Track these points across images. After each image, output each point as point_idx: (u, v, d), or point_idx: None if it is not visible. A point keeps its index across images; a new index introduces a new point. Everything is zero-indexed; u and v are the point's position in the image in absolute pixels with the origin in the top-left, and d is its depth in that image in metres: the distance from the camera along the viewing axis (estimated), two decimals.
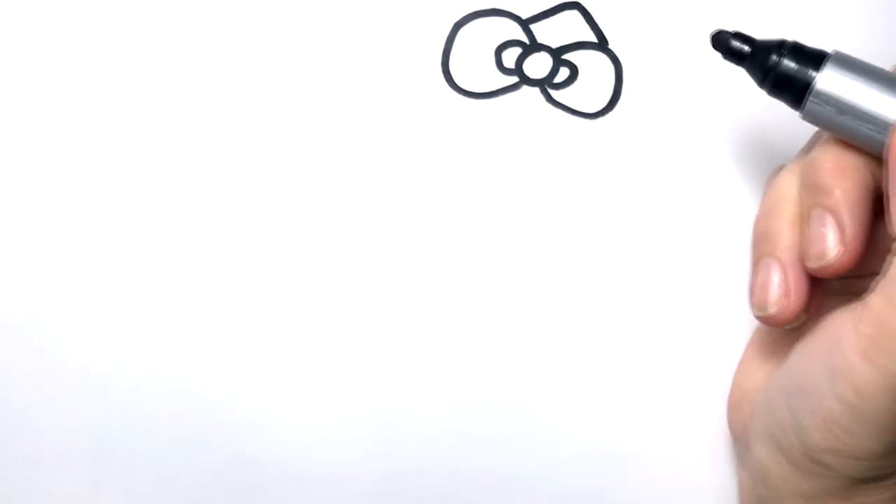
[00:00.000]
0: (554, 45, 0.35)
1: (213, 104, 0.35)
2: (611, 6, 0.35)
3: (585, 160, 0.35)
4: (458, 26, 0.35)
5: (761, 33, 0.35)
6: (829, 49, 0.28)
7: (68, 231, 0.35)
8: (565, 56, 0.35)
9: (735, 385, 0.33)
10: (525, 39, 0.35)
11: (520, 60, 0.35)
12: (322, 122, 0.35)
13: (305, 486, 0.35)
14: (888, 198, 0.27)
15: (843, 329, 0.27)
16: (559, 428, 0.34)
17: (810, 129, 0.30)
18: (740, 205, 0.34)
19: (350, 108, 0.35)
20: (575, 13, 0.35)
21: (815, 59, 0.28)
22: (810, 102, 0.28)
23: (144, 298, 0.35)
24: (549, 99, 0.35)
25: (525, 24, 0.35)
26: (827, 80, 0.28)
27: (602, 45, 0.35)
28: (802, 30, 0.35)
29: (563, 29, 0.35)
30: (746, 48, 0.29)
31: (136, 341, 0.35)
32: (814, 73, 0.28)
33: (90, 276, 0.35)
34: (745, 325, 0.33)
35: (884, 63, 0.29)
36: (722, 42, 0.29)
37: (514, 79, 0.35)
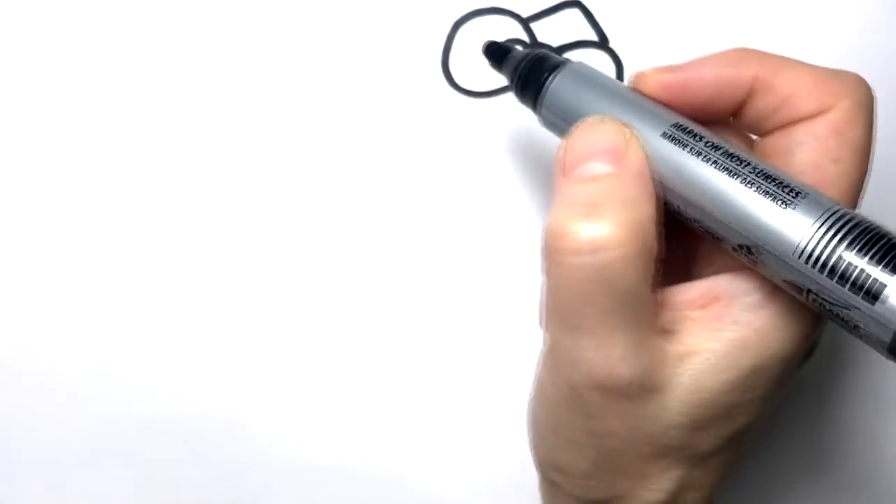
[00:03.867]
0: (555, 44, 0.35)
1: (213, 104, 0.35)
2: (611, 5, 0.35)
3: None
4: (458, 25, 0.35)
5: (761, 33, 0.35)
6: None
7: (69, 232, 0.35)
8: (566, 55, 0.35)
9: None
10: (526, 38, 0.35)
11: None
12: (322, 121, 0.35)
13: (304, 486, 0.35)
14: None
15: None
16: None
17: None
18: None
19: (350, 107, 0.35)
20: (575, 12, 0.35)
21: (554, 68, 0.28)
22: (542, 111, 0.28)
23: (144, 300, 0.35)
24: None
25: (525, 22, 0.35)
26: (556, 92, 0.28)
27: (603, 43, 0.35)
28: (802, 28, 0.35)
29: (564, 27, 0.35)
30: (501, 56, 0.30)
31: (135, 342, 0.35)
32: (548, 83, 0.28)
33: (90, 279, 0.35)
34: None
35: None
36: (485, 50, 0.30)
37: None
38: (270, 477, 0.35)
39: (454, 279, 0.34)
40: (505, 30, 0.35)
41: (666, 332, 0.25)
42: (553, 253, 0.24)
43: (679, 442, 0.25)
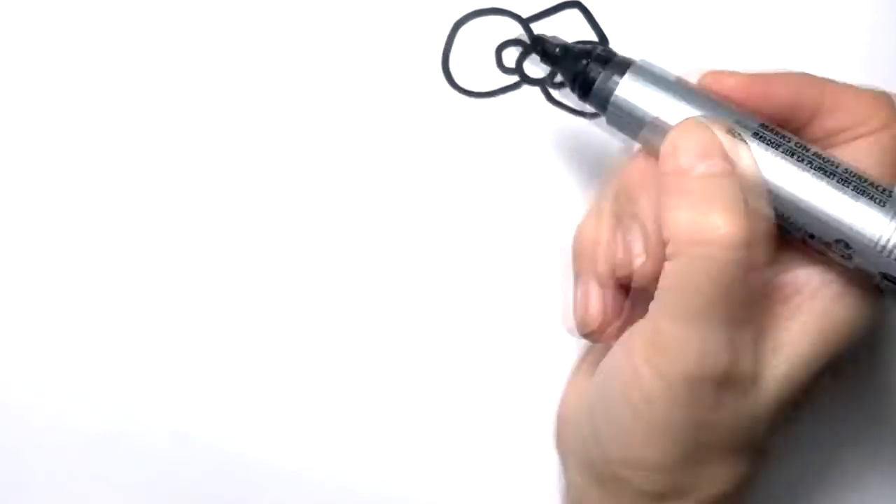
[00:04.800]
0: None
1: (212, 106, 0.35)
2: (611, 5, 0.35)
3: (585, 159, 0.35)
4: (458, 25, 0.35)
5: (760, 33, 0.35)
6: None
7: (69, 235, 0.35)
8: None
9: (561, 403, 0.33)
10: (525, 39, 0.35)
11: (520, 59, 0.35)
12: (322, 121, 0.35)
13: (303, 486, 0.35)
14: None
15: (635, 339, 0.27)
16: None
17: None
18: None
19: (350, 108, 0.35)
20: (575, 12, 0.35)
21: (620, 67, 0.28)
22: (610, 110, 0.28)
23: (144, 301, 0.35)
24: (550, 98, 0.35)
25: (525, 23, 0.35)
26: (626, 90, 0.28)
27: (602, 44, 0.35)
28: (802, 29, 0.35)
29: (564, 28, 0.35)
30: (558, 51, 0.30)
31: (135, 343, 0.35)
32: (617, 80, 0.28)
33: (90, 280, 0.35)
34: None
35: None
36: (538, 45, 0.30)
37: (515, 78, 0.35)
38: (269, 478, 0.35)
39: (452, 285, 0.34)
40: (505, 30, 0.35)
41: (759, 325, 0.27)
42: (687, 246, 0.25)
43: (762, 434, 0.27)
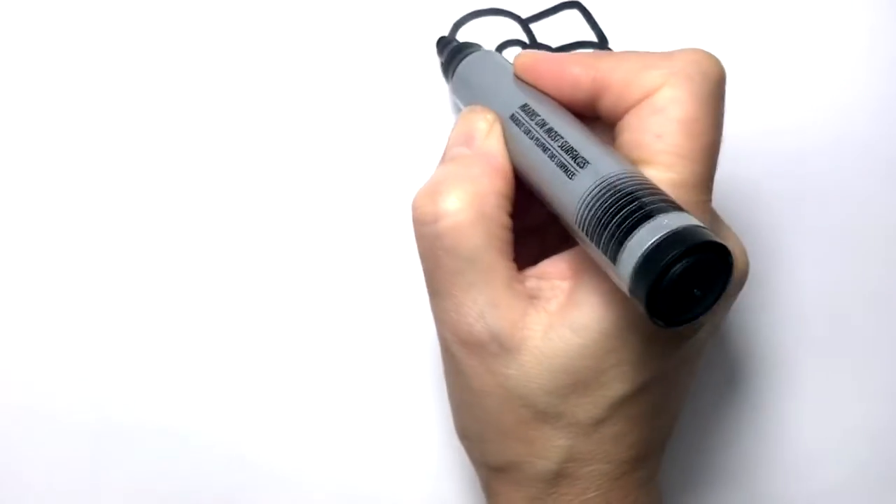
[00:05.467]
0: (554, 45, 0.35)
1: (213, 107, 0.35)
2: (611, 5, 0.35)
3: None
4: (458, 25, 0.35)
5: (760, 33, 0.35)
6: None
7: (69, 236, 0.35)
8: None
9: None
10: (525, 39, 0.35)
11: None
12: (321, 122, 0.35)
13: (304, 486, 0.35)
14: None
15: None
16: None
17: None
18: (741, 202, 0.34)
19: (350, 108, 0.35)
20: (575, 12, 0.35)
21: (461, 58, 0.31)
22: (453, 95, 0.32)
23: (144, 301, 0.35)
24: None
25: (525, 23, 0.35)
26: (456, 79, 0.31)
27: (602, 44, 0.35)
28: (801, 29, 0.35)
29: (563, 28, 0.35)
30: (441, 46, 0.33)
31: (136, 343, 0.35)
32: (454, 70, 0.31)
33: (90, 279, 0.35)
34: None
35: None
36: (436, 44, 0.34)
37: None
38: (269, 478, 0.35)
39: None
40: (504, 30, 0.35)
41: (533, 297, 0.26)
42: (413, 226, 0.26)
43: (552, 408, 0.26)
